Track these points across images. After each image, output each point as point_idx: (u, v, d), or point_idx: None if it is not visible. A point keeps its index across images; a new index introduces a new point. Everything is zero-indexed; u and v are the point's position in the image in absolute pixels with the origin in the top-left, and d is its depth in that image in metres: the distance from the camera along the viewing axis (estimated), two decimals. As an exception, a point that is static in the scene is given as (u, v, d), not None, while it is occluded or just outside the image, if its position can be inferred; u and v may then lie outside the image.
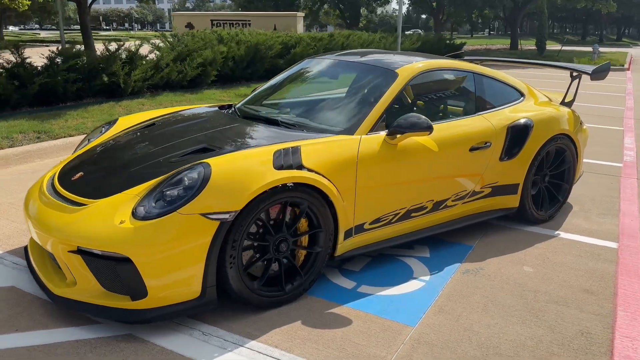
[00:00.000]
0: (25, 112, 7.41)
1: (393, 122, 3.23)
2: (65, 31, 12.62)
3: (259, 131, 3.34)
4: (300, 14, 20.54)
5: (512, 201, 4.06)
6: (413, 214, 3.50)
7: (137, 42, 9.66)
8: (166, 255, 2.52)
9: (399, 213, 3.40)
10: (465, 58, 5.52)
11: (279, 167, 2.77)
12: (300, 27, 19.89)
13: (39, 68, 7.80)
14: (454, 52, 27.23)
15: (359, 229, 3.23)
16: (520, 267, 3.52)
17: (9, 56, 7.58)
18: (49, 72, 7.57)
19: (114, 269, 2.54)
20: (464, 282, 3.30)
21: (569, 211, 4.64)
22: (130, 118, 3.89)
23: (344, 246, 3.18)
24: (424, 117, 3.23)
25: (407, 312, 2.93)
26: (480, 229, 4.15)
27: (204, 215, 2.55)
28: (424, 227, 3.64)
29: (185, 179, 2.65)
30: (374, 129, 3.30)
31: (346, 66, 4.03)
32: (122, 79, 8.52)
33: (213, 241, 2.58)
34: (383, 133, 3.28)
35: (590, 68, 4.64)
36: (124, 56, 8.93)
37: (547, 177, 4.30)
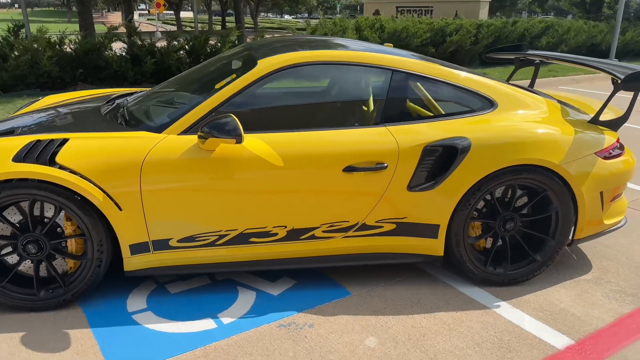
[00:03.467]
0: (137, 87, 8.30)
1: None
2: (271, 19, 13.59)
3: (80, 121, 3.08)
4: (485, -1, 18.46)
5: (431, 247, 2.97)
6: (254, 239, 2.82)
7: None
8: None
9: (227, 235, 2.78)
10: (529, 52, 4.23)
11: (18, 160, 2.49)
12: (483, 14, 17.82)
13: (160, 49, 8.62)
14: None
15: (161, 245, 2.74)
16: (364, 337, 2.56)
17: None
18: (161, 53, 8.29)
19: None
20: (259, 337, 2.53)
21: (572, 276, 3.20)
22: (58, 97, 3.97)
23: (133, 262, 2.74)
24: (232, 120, 2.56)
25: (128, 357, 2.38)
26: (394, 273, 3.15)
27: None
28: (284, 258, 2.90)
29: None
30: (193, 129, 2.73)
31: (239, 53, 3.40)
32: (234, 61, 8.86)
33: None
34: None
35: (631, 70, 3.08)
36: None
37: (514, 224, 3.01)
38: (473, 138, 2.84)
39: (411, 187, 2.85)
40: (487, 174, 2.83)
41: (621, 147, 3.20)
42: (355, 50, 3.04)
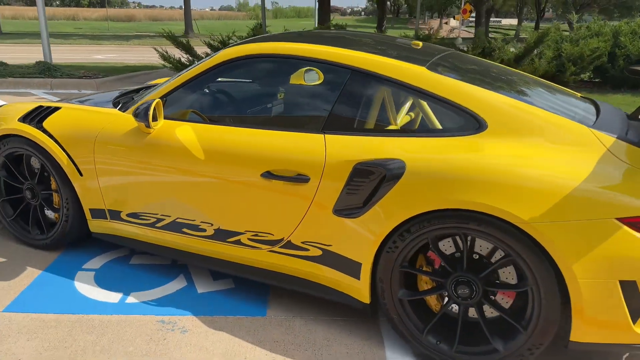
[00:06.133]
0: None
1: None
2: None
3: (98, 96, 3.48)
4: None
5: (355, 289, 2.39)
6: (186, 230, 2.78)
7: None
8: None
9: (163, 219, 2.82)
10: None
11: (21, 119, 3.03)
12: None
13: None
14: None
15: (115, 215, 2.96)
16: (216, 358, 2.27)
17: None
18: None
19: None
20: (131, 323, 2.50)
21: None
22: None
23: (95, 225, 3.04)
24: (148, 105, 2.58)
25: (33, 302, 2.66)
26: (342, 310, 2.65)
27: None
28: (212, 257, 2.76)
29: None
30: None
31: None
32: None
33: None
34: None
35: None
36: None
37: (470, 290, 2.18)
38: (410, 163, 2.16)
39: (336, 210, 2.35)
40: (419, 212, 2.12)
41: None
42: (334, 46, 2.61)
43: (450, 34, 9.75)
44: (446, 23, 62.51)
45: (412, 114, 2.47)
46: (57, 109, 3.06)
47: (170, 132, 2.66)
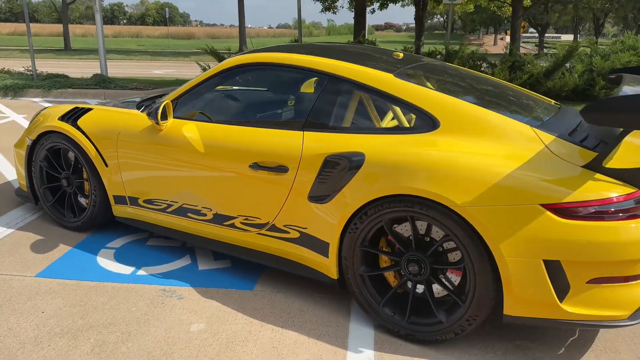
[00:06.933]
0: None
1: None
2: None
3: (132, 100, 3.97)
4: None
5: (325, 266, 2.73)
6: (190, 215, 3.21)
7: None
8: None
9: (172, 205, 3.26)
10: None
11: (61, 118, 3.57)
12: None
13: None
14: None
15: (134, 201, 3.43)
16: (199, 321, 2.66)
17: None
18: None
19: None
20: (138, 290, 2.94)
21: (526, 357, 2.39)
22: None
23: (118, 210, 3.52)
24: (157, 106, 3.03)
25: (57, 270, 3.15)
26: (322, 287, 2.99)
27: (27, 136, 3.80)
28: (211, 238, 3.17)
29: None
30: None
31: None
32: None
33: (26, 154, 3.79)
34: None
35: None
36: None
37: (419, 268, 2.48)
38: (369, 156, 2.50)
39: (310, 197, 2.71)
40: (374, 197, 2.45)
41: (627, 210, 2.17)
42: (310, 55, 3.00)
43: (478, 49, 9.91)
44: (501, 39, 61.78)
45: (379, 114, 2.79)
46: (90, 109, 3.58)
47: (177, 130, 3.10)
